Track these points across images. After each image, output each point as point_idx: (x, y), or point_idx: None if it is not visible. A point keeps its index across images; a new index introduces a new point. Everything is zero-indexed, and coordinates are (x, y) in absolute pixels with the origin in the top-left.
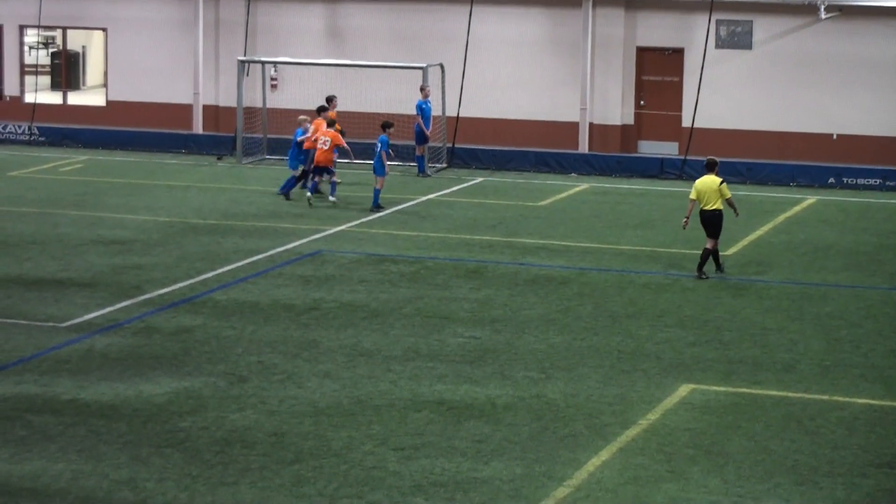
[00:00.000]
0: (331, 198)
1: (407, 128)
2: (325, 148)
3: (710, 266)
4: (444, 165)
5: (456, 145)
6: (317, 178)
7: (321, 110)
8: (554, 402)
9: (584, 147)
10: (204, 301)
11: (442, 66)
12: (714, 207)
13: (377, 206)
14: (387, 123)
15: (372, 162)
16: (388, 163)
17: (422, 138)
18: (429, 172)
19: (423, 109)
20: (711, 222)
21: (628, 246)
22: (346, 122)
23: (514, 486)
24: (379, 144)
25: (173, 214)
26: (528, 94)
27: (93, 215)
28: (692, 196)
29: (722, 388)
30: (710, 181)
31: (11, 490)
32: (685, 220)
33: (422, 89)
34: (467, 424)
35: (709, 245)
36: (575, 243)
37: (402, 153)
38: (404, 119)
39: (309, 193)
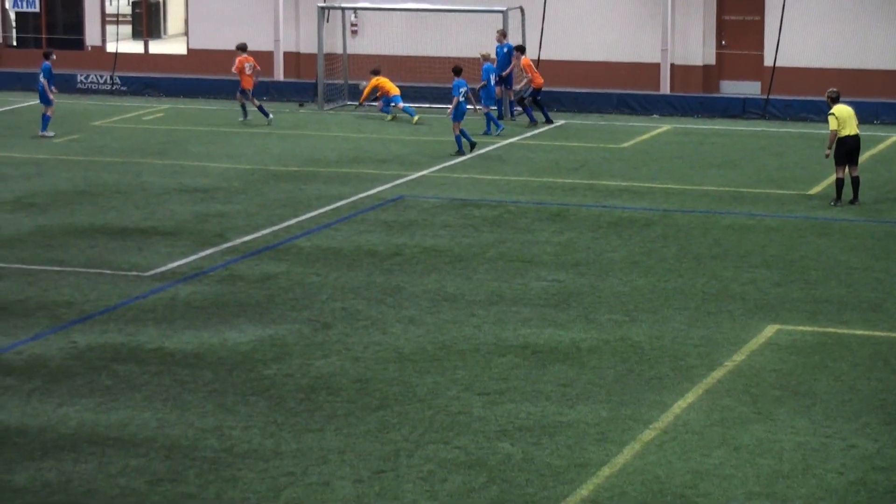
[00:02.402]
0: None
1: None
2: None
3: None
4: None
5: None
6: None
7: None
8: (639, 344)
9: (665, 88)
10: (287, 248)
11: (522, 9)
12: (856, 133)
13: (460, 151)
14: (457, 69)
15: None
16: (469, 106)
17: (502, 83)
18: (513, 116)
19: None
20: (857, 147)
21: (711, 187)
22: (426, 67)
23: (600, 430)
24: (454, 90)
25: (255, 162)
26: (608, 35)
27: (175, 164)
28: (833, 126)
29: (808, 328)
30: (846, 108)
31: (98, 439)
32: (828, 150)
33: (503, 34)
34: (552, 368)
35: (854, 172)
36: (658, 185)
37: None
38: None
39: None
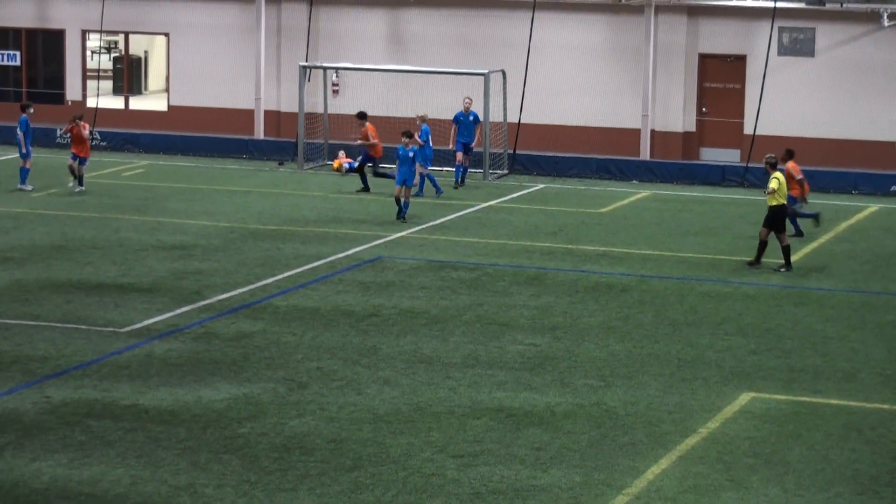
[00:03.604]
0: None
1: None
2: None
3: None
4: (506, 172)
5: (517, 151)
6: None
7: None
8: (614, 409)
9: (645, 154)
10: (264, 307)
11: (503, 73)
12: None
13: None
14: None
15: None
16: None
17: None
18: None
19: (459, 121)
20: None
21: (689, 253)
22: (406, 129)
23: (574, 494)
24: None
25: (234, 220)
26: (589, 100)
27: (154, 220)
28: (774, 186)
29: (783, 397)
30: (783, 177)
31: (70, 495)
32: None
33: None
34: (526, 432)
35: (784, 241)
36: (636, 250)
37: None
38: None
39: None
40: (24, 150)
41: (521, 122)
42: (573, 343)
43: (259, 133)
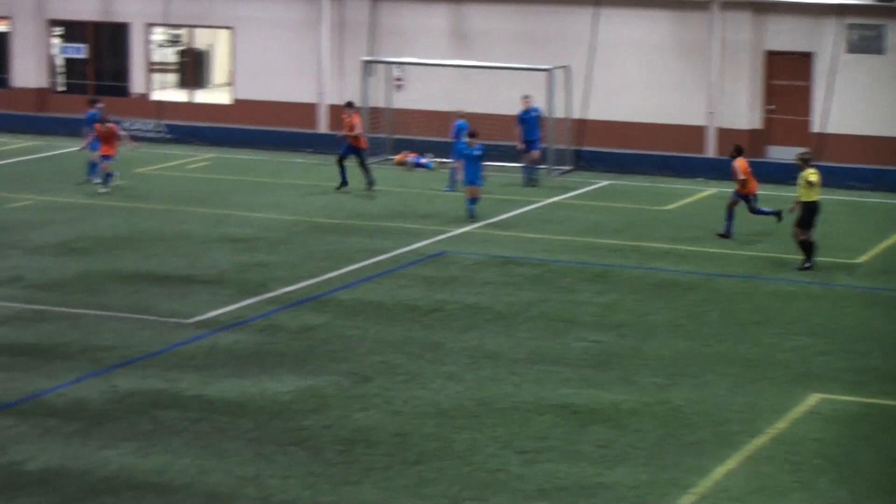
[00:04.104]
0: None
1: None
2: None
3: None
4: (570, 168)
5: (581, 148)
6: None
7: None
8: (679, 408)
9: (710, 151)
10: (328, 300)
11: (567, 68)
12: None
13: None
14: (470, 131)
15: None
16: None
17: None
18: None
19: (523, 120)
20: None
21: (755, 252)
22: (472, 125)
23: (639, 493)
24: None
25: (298, 213)
26: (654, 97)
27: (219, 213)
28: (807, 187)
29: (851, 399)
30: (817, 173)
31: (137, 483)
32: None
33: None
34: (591, 429)
35: (812, 237)
36: (701, 248)
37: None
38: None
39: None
40: (95, 145)
41: (586, 118)
42: (639, 340)
43: (322, 127)
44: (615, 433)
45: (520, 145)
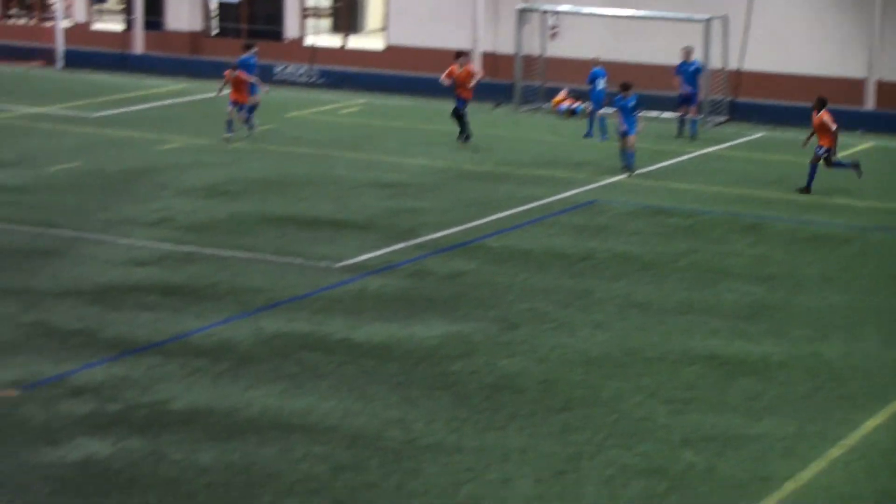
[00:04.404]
0: None
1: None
2: None
3: None
4: (725, 119)
5: (737, 99)
6: None
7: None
8: (830, 361)
9: (870, 104)
10: (477, 246)
11: (725, 18)
12: None
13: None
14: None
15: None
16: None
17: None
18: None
19: (681, 72)
20: None
21: None
22: (626, 75)
23: (786, 445)
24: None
25: (449, 159)
26: (812, 47)
27: (369, 158)
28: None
29: None
30: None
31: (282, 425)
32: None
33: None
34: (740, 381)
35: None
36: (857, 202)
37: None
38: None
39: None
40: (253, 89)
41: (742, 69)
42: (790, 293)
43: (476, 74)
44: (763, 385)
45: (684, 90)
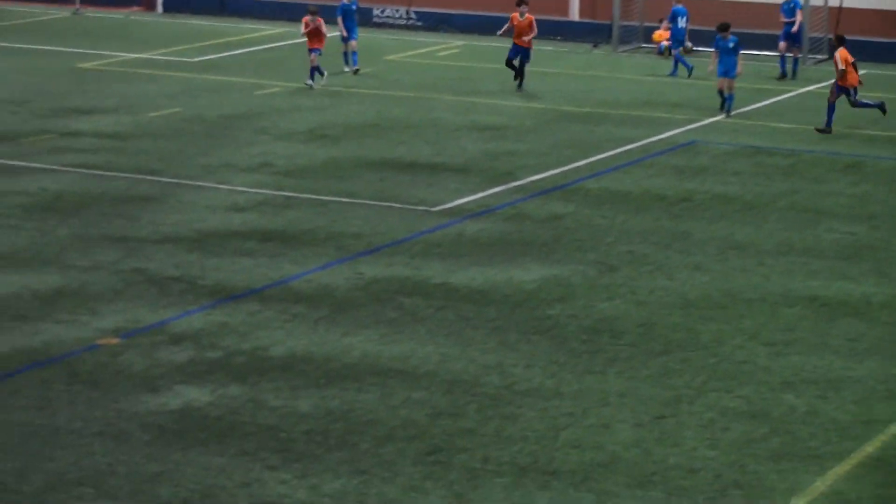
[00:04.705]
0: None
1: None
2: None
3: None
4: (826, 57)
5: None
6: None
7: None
8: None
9: None
10: (575, 189)
11: None
12: None
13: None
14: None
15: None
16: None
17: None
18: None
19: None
20: None
21: None
22: (726, 14)
23: (889, 387)
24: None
25: (547, 101)
26: None
27: (467, 101)
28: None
29: None
30: None
31: (381, 370)
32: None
33: None
34: (841, 322)
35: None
36: None
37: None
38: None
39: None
40: (344, 35)
41: (842, 5)
42: (892, 233)
43: (574, 15)
44: (865, 326)
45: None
